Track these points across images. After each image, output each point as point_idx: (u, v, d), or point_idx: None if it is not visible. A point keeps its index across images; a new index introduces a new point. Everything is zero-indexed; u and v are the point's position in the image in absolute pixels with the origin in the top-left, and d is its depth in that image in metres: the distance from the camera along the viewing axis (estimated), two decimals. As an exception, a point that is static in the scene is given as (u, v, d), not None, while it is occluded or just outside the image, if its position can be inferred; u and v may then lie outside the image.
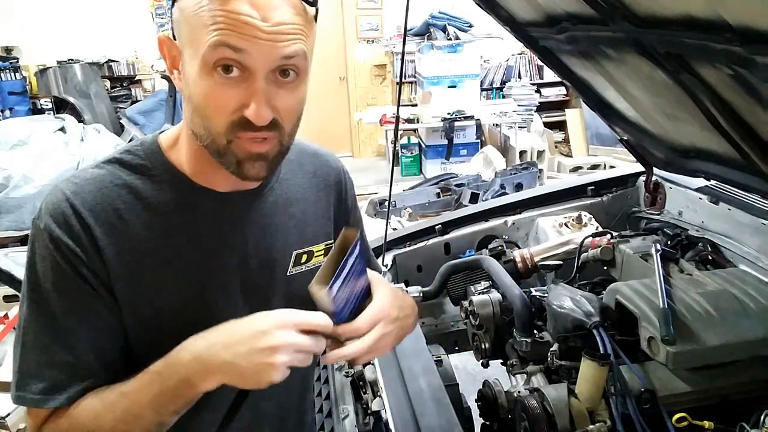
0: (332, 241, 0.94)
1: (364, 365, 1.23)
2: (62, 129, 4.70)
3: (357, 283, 0.76)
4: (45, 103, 5.75)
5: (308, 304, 0.93)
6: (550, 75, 6.38)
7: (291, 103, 0.71)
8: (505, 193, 4.00)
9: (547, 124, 6.40)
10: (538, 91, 6.56)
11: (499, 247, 1.70)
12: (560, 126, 6.72)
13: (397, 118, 1.27)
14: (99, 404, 0.71)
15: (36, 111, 5.72)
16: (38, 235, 0.72)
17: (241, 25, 0.63)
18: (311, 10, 0.70)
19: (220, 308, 0.80)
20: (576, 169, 5.88)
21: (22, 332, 0.73)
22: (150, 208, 0.75)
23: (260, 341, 0.65)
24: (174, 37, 0.72)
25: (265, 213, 0.84)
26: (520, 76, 6.70)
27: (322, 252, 0.92)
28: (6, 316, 2.83)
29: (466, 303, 1.51)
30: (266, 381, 0.66)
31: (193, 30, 0.66)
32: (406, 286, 1.62)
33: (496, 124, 6.00)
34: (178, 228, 0.77)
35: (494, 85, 6.74)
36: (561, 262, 1.52)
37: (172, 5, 0.70)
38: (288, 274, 0.87)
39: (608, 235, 1.53)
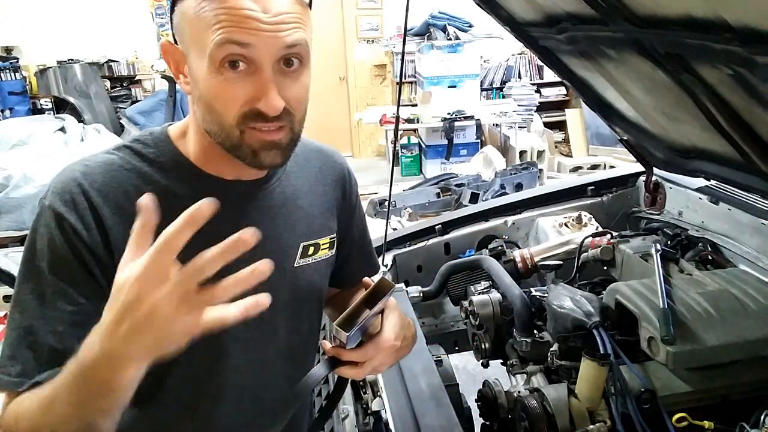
0: (335, 235, 0.95)
1: None
2: (62, 129, 4.70)
3: (374, 319, 0.80)
4: (45, 103, 5.75)
5: (314, 297, 0.94)
6: (550, 75, 6.37)
7: (298, 91, 0.73)
8: (505, 193, 4.00)
9: (547, 124, 6.39)
10: (538, 91, 6.56)
11: (499, 247, 1.70)
12: (560, 126, 6.72)
13: (397, 118, 1.27)
14: (36, 397, 0.65)
15: (36, 111, 5.71)
16: (42, 212, 0.72)
17: (244, 20, 0.65)
18: None
19: None
20: (576, 169, 5.88)
21: (11, 312, 0.72)
22: (159, 193, 0.75)
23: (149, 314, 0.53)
24: (176, 41, 0.73)
25: (273, 203, 0.85)
26: (520, 76, 6.69)
27: (328, 245, 0.93)
28: (6, 316, 2.84)
29: (466, 303, 1.51)
30: (186, 338, 0.56)
31: (197, 31, 0.67)
32: (406, 286, 1.62)
33: (496, 124, 6.00)
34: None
35: (494, 85, 6.73)
36: (561, 262, 1.52)
37: (172, 11, 0.71)
38: (295, 265, 0.88)
39: (608, 235, 1.53)
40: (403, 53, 1.96)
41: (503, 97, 6.59)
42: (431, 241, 1.84)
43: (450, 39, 5.73)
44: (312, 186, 0.92)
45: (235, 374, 0.85)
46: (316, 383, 0.75)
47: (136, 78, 6.35)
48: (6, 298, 2.93)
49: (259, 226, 0.83)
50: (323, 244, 0.92)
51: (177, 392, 0.83)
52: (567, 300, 1.20)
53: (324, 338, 1.41)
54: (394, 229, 2.23)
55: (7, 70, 5.57)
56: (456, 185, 4.47)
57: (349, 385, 1.27)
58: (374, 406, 1.13)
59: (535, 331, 1.32)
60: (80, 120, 5.27)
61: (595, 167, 5.79)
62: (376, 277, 0.79)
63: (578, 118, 6.42)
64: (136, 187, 0.75)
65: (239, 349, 0.84)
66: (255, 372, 0.87)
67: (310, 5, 0.73)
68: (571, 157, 6.30)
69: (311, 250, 0.90)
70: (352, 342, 0.75)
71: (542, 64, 2.13)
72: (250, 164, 0.74)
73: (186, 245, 0.76)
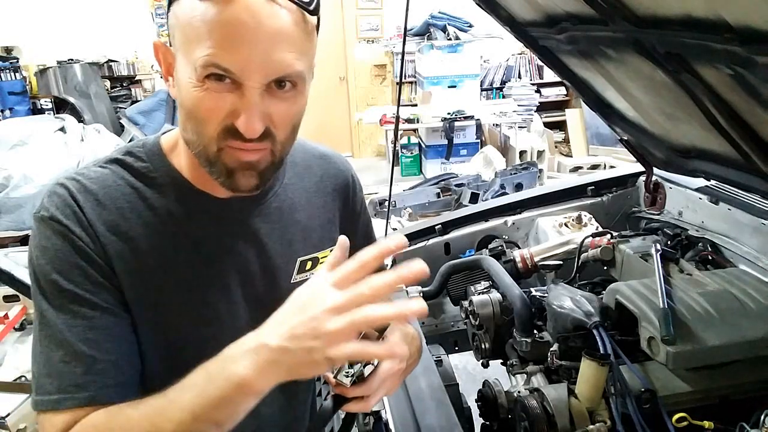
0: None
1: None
2: (62, 129, 4.70)
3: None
4: (45, 103, 5.75)
5: None
6: (550, 75, 6.38)
7: (286, 114, 0.68)
8: (505, 193, 4.01)
9: (547, 124, 6.39)
10: (538, 91, 6.56)
11: (499, 247, 1.70)
12: (560, 126, 6.72)
13: (397, 118, 1.27)
14: (135, 412, 0.64)
15: (36, 111, 5.71)
16: (42, 226, 0.69)
17: (233, 42, 0.61)
18: (311, 20, 0.66)
19: (223, 313, 0.79)
20: (576, 169, 5.88)
21: (37, 335, 0.69)
22: (152, 210, 0.74)
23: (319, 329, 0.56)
24: (170, 43, 0.70)
25: (269, 219, 0.83)
26: (520, 76, 6.70)
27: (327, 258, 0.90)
28: (6, 316, 2.83)
29: (466, 303, 1.51)
30: (316, 372, 0.59)
31: (187, 39, 0.64)
32: (406, 286, 1.62)
33: (496, 124, 6.00)
34: (179, 232, 0.76)
35: (494, 85, 6.74)
36: (561, 262, 1.51)
37: (168, 10, 0.68)
38: (292, 281, 0.85)
39: (608, 235, 1.53)
40: (403, 53, 1.97)
41: (503, 97, 6.59)
42: (431, 241, 1.84)
43: (450, 39, 5.74)
44: (311, 197, 0.89)
45: None
46: (326, 423, 0.72)
47: (136, 78, 6.36)
48: (6, 298, 2.92)
49: (252, 244, 0.81)
50: (322, 258, 0.88)
51: None
52: (567, 300, 1.20)
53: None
54: (394, 229, 2.23)
55: (7, 70, 5.57)
56: (456, 185, 4.47)
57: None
58: (374, 406, 1.13)
59: (535, 331, 1.32)
60: (80, 120, 5.27)
61: (595, 167, 5.79)
62: None
63: (578, 118, 6.42)
64: (131, 204, 0.73)
65: None
66: None
67: (317, 29, 0.68)
68: (571, 157, 6.31)
69: (309, 264, 0.87)
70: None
71: (542, 64, 2.13)
72: (224, 185, 0.70)
73: (180, 259, 0.75)
